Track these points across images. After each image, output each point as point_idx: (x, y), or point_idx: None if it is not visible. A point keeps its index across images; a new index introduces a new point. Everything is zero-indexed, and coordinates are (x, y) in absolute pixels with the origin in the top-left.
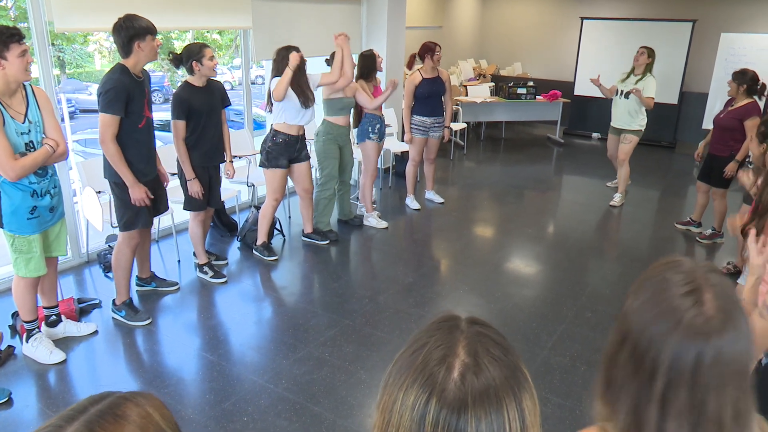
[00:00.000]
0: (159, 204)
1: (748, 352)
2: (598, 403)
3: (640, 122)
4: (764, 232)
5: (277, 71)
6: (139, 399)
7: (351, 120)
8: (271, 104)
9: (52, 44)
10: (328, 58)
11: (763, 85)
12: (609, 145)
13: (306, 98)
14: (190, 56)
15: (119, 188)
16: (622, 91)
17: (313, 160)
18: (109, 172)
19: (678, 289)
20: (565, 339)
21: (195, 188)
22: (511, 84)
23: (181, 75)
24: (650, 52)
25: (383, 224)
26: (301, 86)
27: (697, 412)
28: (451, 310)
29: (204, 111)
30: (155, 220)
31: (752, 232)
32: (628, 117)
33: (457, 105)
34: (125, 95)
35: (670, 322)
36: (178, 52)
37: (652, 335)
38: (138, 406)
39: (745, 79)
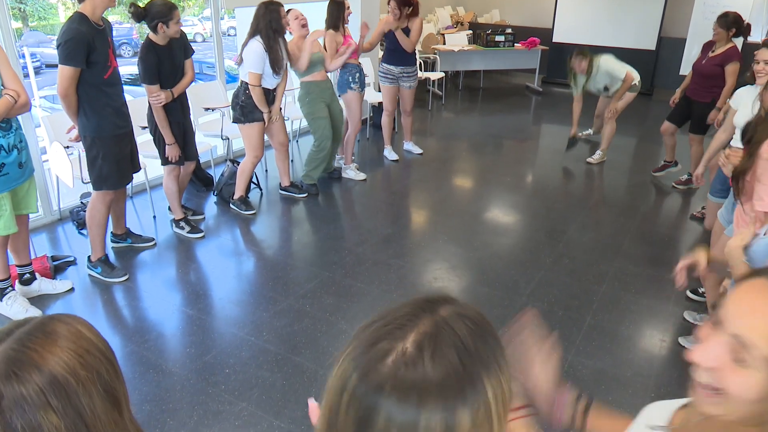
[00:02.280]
0: (135, 161)
1: None
2: None
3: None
4: (749, 172)
5: (256, 29)
6: (67, 318)
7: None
8: (242, 61)
9: None
10: None
11: (748, 24)
12: (599, 105)
13: (278, 65)
14: (156, 17)
15: (93, 144)
16: (599, 90)
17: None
18: (81, 126)
19: None
20: (543, 285)
21: (174, 152)
22: (489, 32)
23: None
24: (584, 53)
25: (361, 176)
26: (275, 55)
27: None
28: (445, 293)
29: (172, 72)
30: None
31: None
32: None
33: (435, 54)
34: (85, 45)
35: None
36: (141, 6)
37: None
38: (66, 323)
39: (730, 22)
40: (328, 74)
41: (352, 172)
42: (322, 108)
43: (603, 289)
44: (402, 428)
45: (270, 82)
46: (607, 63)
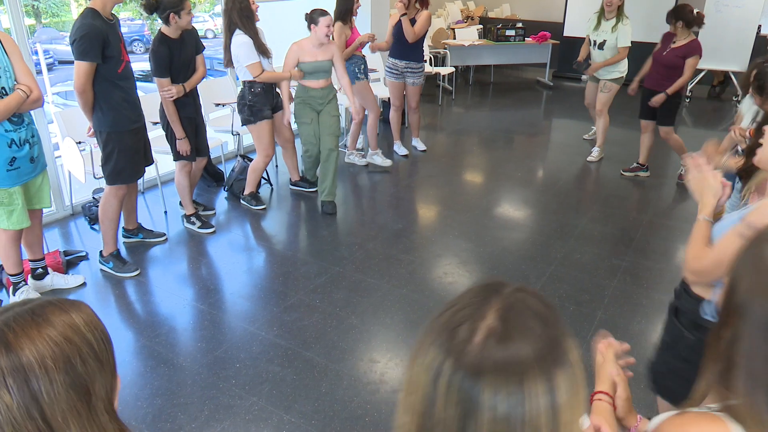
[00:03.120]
0: (147, 155)
1: None
2: (714, 390)
3: (620, 69)
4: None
5: (231, 22)
6: (66, 305)
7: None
8: (230, 63)
9: None
10: (308, 13)
11: (699, 14)
12: (587, 93)
13: (263, 50)
14: (168, 7)
15: (110, 139)
16: (595, 42)
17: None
18: (97, 121)
19: None
20: (554, 280)
21: (185, 147)
22: (500, 26)
23: (161, 23)
24: None
25: (388, 162)
26: (255, 40)
27: None
28: (501, 278)
29: (184, 65)
30: None
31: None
32: (606, 67)
33: (445, 49)
34: (100, 40)
35: None
36: None
37: None
38: (63, 311)
39: (683, 15)
40: (333, 83)
41: (378, 159)
42: (307, 113)
43: (614, 283)
44: (509, 408)
45: (267, 69)
46: (626, 26)
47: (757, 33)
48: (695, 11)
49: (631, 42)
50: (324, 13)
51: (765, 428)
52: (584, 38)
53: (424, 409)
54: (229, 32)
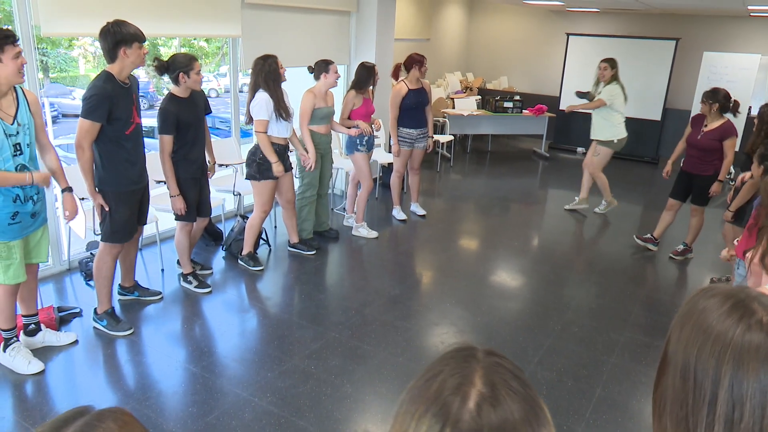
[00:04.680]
0: (142, 215)
1: None
2: None
3: (606, 133)
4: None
5: (256, 83)
6: (108, 423)
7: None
8: (251, 119)
9: (36, 47)
10: (311, 66)
11: (736, 102)
12: (588, 152)
13: (285, 112)
14: (178, 67)
15: (106, 197)
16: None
17: (295, 169)
18: (97, 178)
19: (718, 311)
20: (551, 353)
21: (178, 205)
22: (498, 97)
23: (167, 82)
24: (612, 63)
25: (374, 234)
26: (279, 101)
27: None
28: (467, 341)
29: (192, 123)
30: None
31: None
32: (594, 127)
33: (444, 117)
34: (108, 102)
35: (719, 346)
36: (164, 59)
37: (705, 366)
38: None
39: (718, 98)
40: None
41: (364, 230)
42: (318, 158)
43: (613, 359)
44: None
45: (280, 130)
46: (612, 89)
47: (748, 114)
48: (733, 99)
49: (630, 117)
50: (330, 62)
51: None
52: (579, 112)
53: None
54: (253, 91)
